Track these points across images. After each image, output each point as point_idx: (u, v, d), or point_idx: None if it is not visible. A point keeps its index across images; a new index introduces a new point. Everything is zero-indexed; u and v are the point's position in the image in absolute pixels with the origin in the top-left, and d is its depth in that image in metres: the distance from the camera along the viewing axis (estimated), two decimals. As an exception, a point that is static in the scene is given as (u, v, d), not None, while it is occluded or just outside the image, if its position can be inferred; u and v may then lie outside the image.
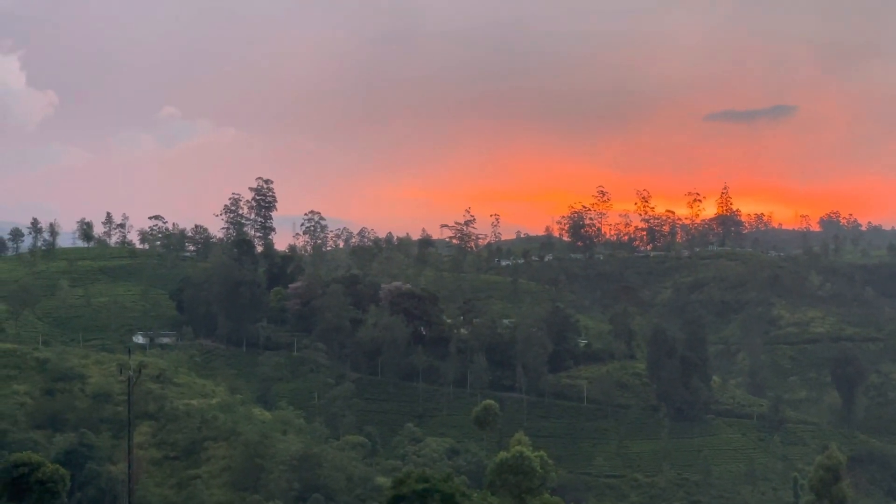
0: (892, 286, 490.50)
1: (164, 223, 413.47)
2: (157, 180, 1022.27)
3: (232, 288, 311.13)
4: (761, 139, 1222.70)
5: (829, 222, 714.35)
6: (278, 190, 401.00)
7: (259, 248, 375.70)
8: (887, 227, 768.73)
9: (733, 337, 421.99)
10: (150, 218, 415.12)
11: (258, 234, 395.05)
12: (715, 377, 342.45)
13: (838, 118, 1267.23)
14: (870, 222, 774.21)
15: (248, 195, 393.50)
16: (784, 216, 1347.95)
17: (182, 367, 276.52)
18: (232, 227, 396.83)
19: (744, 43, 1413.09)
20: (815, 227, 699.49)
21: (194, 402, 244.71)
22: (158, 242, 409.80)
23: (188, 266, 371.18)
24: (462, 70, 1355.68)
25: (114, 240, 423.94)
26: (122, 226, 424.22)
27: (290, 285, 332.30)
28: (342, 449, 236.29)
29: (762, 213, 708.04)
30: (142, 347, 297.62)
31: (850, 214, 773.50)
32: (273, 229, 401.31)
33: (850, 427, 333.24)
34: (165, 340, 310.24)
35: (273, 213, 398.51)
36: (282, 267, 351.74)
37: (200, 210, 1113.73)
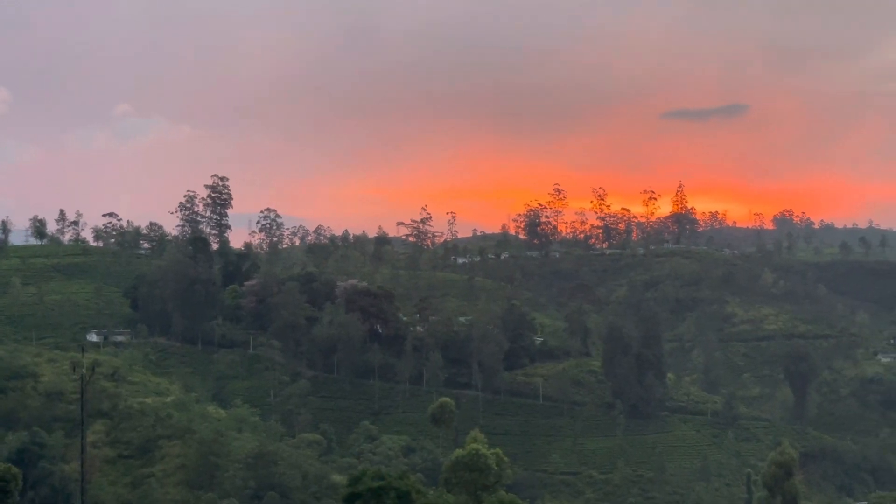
0: (844, 284, 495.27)
1: (119, 221, 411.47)
2: (111, 178, 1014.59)
3: (187, 286, 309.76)
4: (716, 138, 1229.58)
5: (783, 220, 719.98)
6: (234, 188, 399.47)
7: (214, 246, 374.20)
8: (839, 225, 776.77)
9: (688, 334, 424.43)
10: (104, 215, 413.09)
11: (214, 232, 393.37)
12: (670, 374, 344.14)
13: (791, 117, 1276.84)
14: (822, 220, 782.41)
15: (204, 193, 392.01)
16: (738, 214, 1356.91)
17: (136, 366, 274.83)
18: (187, 224, 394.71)
19: (698, 42, 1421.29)
20: (769, 226, 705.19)
21: (149, 400, 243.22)
22: (112, 240, 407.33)
23: (143, 264, 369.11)
24: (418, 68, 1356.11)
25: (67, 237, 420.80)
26: (75, 223, 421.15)
27: (245, 283, 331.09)
28: (298, 447, 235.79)
29: (717, 212, 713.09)
30: (95, 345, 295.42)
31: (803, 213, 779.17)
32: (229, 227, 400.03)
33: (803, 423, 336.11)
34: (119, 338, 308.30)
35: (229, 211, 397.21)
36: (237, 265, 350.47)
37: (155, 208, 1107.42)
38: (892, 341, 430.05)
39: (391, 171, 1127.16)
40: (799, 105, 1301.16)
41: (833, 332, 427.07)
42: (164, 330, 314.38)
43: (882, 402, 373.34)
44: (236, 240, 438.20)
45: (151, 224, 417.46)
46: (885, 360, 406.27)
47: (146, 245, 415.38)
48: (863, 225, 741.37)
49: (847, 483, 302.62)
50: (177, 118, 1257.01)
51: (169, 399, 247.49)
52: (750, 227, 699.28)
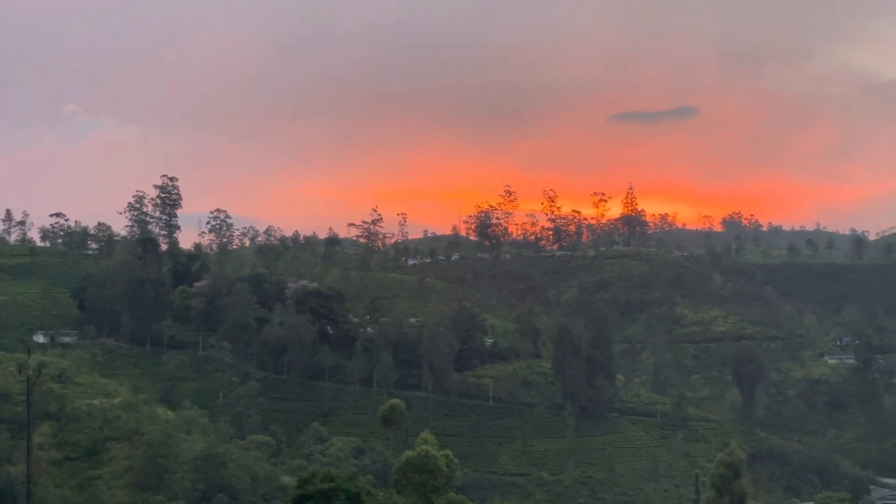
0: (792, 286, 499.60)
1: (66, 221, 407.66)
2: (59, 178, 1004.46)
3: (135, 286, 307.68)
4: (665, 140, 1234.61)
5: (732, 223, 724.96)
6: (184, 188, 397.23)
7: (164, 247, 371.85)
8: (787, 227, 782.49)
9: (637, 336, 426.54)
10: (51, 215, 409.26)
11: (163, 233, 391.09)
12: (619, 376, 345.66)
13: (740, 120, 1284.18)
14: (770, 223, 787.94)
15: (153, 193, 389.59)
16: (688, 216, 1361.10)
17: (84, 367, 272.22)
18: (136, 225, 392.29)
19: (648, 45, 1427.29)
20: (718, 228, 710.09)
21: (96, 401, 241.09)
22: (60, 240, 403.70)
23: (91, 264, 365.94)
24: (369, 68, 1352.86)
25: (14, 237, 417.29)
26: (22, 223, 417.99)
27: (194, 284, 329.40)
28: (247, 448, 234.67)
29: (666, 214, 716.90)
30: (42, 347, 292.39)
31: (752, 215, 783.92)
32: (178, 227, 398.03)
33: (751, 424, 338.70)
34: (67, 339, 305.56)
35: (178, 212, 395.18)
36: (187, 265, 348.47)
37: (104, 208, 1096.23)
38: (838, 343, 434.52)
39: (342, 171, 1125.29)
40: (748, 108, 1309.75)
41: (781, 334, 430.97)
42: (112, 331, 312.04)
43: (828, 402, 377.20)
44: (186, 240, 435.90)
45: (100, 224, 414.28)
46: (831, 361, 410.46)
47: (94, 246, 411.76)
48: (810, 227, 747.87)
49: (794, 483, 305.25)
50: (126, 118, 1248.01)
51: (117, 401, 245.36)
52: (699, 229, 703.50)
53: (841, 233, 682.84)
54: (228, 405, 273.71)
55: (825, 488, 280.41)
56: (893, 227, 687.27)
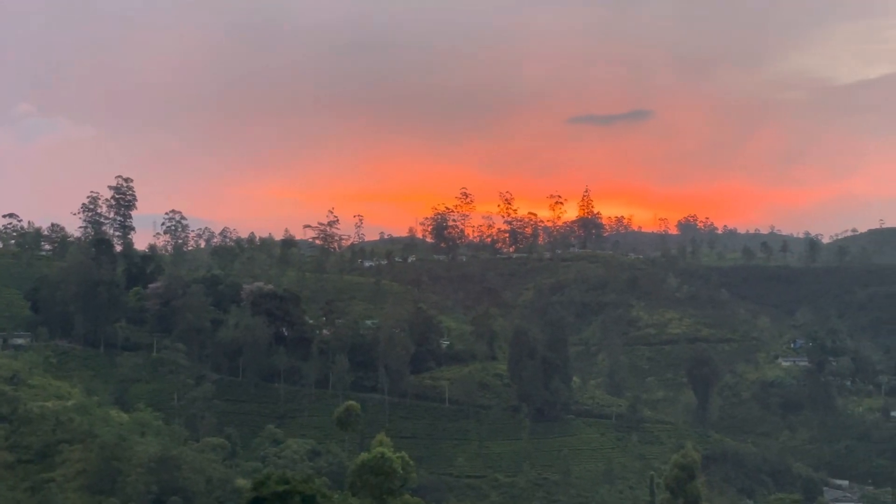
0: (746, 288, 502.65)
1: (19, 222, 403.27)
2: (12, 178, 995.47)
3: (89, 288, 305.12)
4: (621, 143, 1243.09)
5: (687, 225, 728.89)
6: (139, 189, 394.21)
7: (118, 248, 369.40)
8: (742, 230, 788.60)
9: (593, 338, 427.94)
10: (4, 216, 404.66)
11: (117, 234, 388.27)
12: (575, 378, 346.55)
13: (695, 123, 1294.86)
14: (725, 226, 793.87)
15: (108, 194, 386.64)
16: (644, 219, 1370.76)
17: (36, 369, 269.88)
18: (90, 226, 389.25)
19: (605, 48, 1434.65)
20: (673, 231, 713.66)
21: (49, 404, 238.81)
22: (13, 241, 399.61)
23: (44, 265, 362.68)
24: (326, 70, 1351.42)
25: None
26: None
27: (149, 285, 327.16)
28: (202, 451, 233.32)
29: (622, 216, 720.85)
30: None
31: (707, 218, 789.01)
32: (133, 229, 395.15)
33: (705, 426, 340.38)
34: (19, 341, 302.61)
35: (133, 213, 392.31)
36: (141, 267, 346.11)
37: (58, 209, 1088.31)
38: (792, 345, 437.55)
39: (298, 173, 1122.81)
40: (703, 111, 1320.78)
41: (735, 336, 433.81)
42: (65, 332, 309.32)
43: (782, 404, 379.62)
44: (141, 242, 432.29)
45: (53, 225, 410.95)
46: (785, 363, 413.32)
47: (47, 246, 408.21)
48: (765, 231, 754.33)
49: (748, 485, 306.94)
50: (80, 118, 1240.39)
51: (70, 403, 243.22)
52: (655, 231, 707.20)
53: (795, 236, 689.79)
54: (183, 407, 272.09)
55: (778, 490, 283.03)
56: (847, 231, 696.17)
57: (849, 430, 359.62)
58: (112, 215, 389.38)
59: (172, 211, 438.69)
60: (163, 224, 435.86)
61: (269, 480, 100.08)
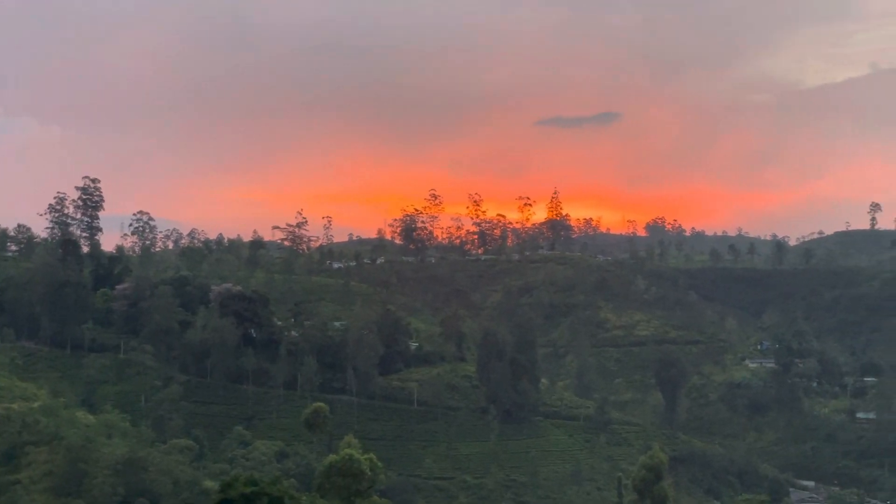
0: (714, 290, 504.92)
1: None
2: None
3: (56, 289, 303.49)
4: (590, 145, 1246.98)
5: (655, 227, 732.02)
6: (106, 190, 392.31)
7: (85, 249, 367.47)
8: (710, 232, 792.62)
9: (562, 340, 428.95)
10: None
11: (84, 235, 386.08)
12: (543, 379, 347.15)
13: (663, 125, 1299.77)
14: (693, 228, 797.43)
15: (74, 195, 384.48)
16: (612, 221, 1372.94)
17: (2, 370, 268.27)
18: (57, 227, 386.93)
19: (573, 50, 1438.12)
20: (642, 232, 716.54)
21: (14, 405, 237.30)
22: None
23: (10, 266, 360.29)
24: (296, 70, 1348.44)
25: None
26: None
27: (116, 286, 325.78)
28: (169, 453, 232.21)
29: (591, 218, 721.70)
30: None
31: (675, 220, 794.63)
32: (100, 229, 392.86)
33: (673, 428, 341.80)
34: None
35: (100, 214, 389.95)
36: (108, 268, 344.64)
37: (24, 209, 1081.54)
38: (759, 347, 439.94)
39: (267, 174, 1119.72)
40: (670, 114, 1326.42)
41: (703, 338, 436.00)
42: (31, 334, 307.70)
43: (749, 406, 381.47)
44: (108, 243, 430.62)
45: (19, 226, 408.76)
46: (752, 365, 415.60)
47: (14, 247, 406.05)
48: (732, 233, 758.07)
49: (714, 486, 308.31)
50: (46, 118, 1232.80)
51: (36, 404, 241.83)
52: (623, 233, 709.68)
53: (762, 238, 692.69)
54: (150, 409, 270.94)
55: (745, 491, 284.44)
56: (813, 233, 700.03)
57: (815, 431, 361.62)
58: (79, 216, 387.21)
59: (140, 212, 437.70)
60: (130, 225, 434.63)
61: (236, 482, 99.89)
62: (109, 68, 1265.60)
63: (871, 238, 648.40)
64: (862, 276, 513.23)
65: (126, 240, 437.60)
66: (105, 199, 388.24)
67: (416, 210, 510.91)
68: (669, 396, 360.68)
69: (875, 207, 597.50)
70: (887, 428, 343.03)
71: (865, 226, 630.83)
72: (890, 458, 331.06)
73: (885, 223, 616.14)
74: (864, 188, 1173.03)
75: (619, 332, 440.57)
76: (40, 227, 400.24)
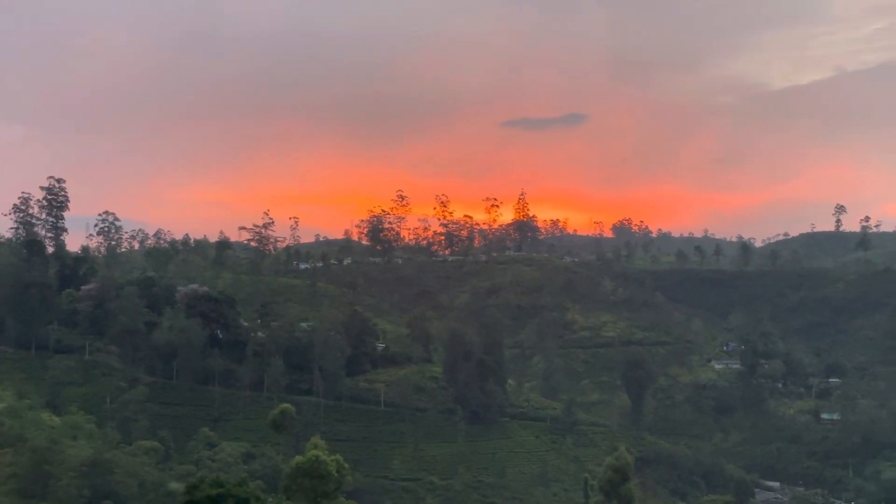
0: (680, 291, 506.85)
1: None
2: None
3: (20, 289, 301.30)
4: (556, 147, 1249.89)
5: (622, 229, 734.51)
6: (72, 190, 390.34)
7: (50, 249, 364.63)
8: (676, 234, 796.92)
9: (529, 341, 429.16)
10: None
11: (49, 235, 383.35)
12: (510, 381, 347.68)
13: (629, 127, 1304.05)
14: (660, 229, 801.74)
15: (39, 195, 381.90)
16: (579, 222, 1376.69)
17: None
18: (21, 227, 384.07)
19: (539, 52, 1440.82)
20: (609, 234, 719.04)
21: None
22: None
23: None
24: (262, 72, 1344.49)
25: None
26: None
27: (82, 287, 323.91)
28: (134, 454, 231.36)
29: (558, 219, 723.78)
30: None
31: (642, 221, 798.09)
32: (65, 230, 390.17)
33: (639, 428, 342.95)
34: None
35: (65, 214, 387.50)
36: (74, 268, 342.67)
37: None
38: (725, 348, 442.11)
39: (234, 175, 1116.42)
40: (637, 115, 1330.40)
41: (669, 339, 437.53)
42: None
43: (715, 407, 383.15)
44: (73, 243, 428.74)
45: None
46: (718, 366, 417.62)
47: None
48: (699, 234, 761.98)
49: (681, 487, 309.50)
50: (11, 118, 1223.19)
51: (1, 406, 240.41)
52: (590, 235, 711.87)
53: (728, 239, 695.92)
54: (116, 410, 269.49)
55: (711, 491, 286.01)
56: (779, 235, 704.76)
57: (780, 432, 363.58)
58: (44, 216, 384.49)
59: (106, 212, 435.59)
60: (96, 225, 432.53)
61: (202, 484, 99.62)
62: (75, 69, 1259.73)
63: (836, 240, 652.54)
64: (827, 277, 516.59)
65: (91, 240, 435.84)
66: (70, 199, 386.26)
67: (383, 211, 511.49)
68: (636, 397, 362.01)
69: (840, 209, 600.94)
70: (852, 429, 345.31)
71: (830, 228, 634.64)
72: (854, 458, 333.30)
73: (849, 225, 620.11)
74: (830, 190, 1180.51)
75: (585, 333, 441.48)
76: (4, 228, 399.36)
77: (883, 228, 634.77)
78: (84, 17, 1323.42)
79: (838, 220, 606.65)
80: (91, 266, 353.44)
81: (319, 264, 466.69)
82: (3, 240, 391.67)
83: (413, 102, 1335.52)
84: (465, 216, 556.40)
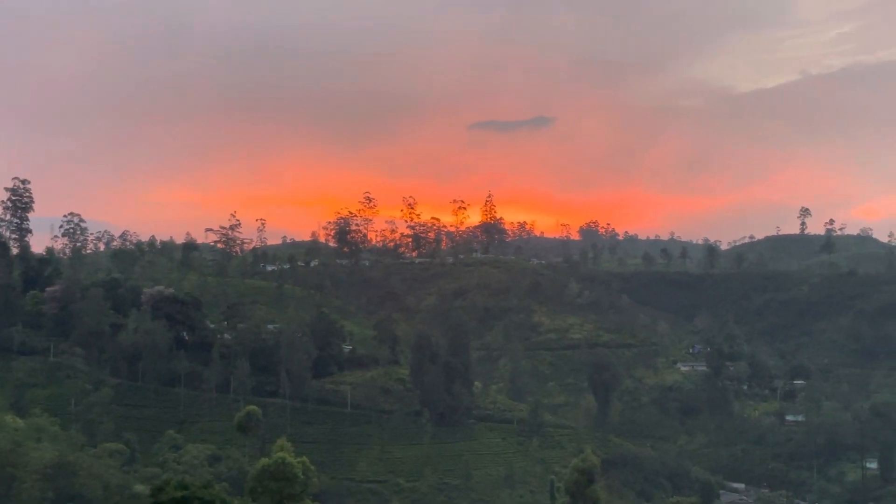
0: (647, 294, 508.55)
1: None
2: None
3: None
4: (524, 149, 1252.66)
5: (588, 231, 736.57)
6: (36, 191, 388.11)
7: (14, 251, 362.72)
8: (642, 236, 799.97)
9: (495, 343, 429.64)
10: None
11: (14, 236, 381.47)
12: (477, 383, 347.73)
13: (595, 130, 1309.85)
14: (626, 232, 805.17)
15: (3, 196, 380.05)
16: (546, 225, 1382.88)
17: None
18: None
19: (507, 54, 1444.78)
20: (575, 236, 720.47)
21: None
22: None
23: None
24: (228, 74, 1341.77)
25: None
26: None
27: (47, 289, 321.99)
28: (99, 457, 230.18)
29: (525, 222, 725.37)
30: None
31: (608, 224, 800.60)
32: (30, 231, 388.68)
33: (605, 430, 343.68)
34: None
35: (30, 215, 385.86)
36: (38, 270, 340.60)
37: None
38: (690, 350, 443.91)
39: (201, 176, 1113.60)
40: (604, 118, 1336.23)
41: (635, 342, 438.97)
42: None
43: (680, 409, 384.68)
44: (38, 245, 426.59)
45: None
46: (683, 368, 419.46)
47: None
48: (665, 237, 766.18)
49: (646, 489, 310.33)
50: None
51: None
52: (557, 237, 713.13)
53: (694, 242, 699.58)
54: (81, 412, 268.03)
55: (676, 493, 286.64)
56: (744, 238, 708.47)
57: (745, 433, 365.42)
58: (8, 217, 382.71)
59: (71, 213, 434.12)
60: (61, 227, 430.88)
61: (167, 486, 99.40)
62: (40, 70, 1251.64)
63: (801, 243, 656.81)
64: (791, 280, 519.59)
65: (56, 241, 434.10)
66: (35, 200, 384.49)
67: (351, 213, 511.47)
68: (602, 399, 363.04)
69: (805, 212, 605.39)
70: (816, 430, 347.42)
71: (795, 230, 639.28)
72: (818, 460, 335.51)
73: (814, 228, 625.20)
74: (795, 193, 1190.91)
75: (552, 335, 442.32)
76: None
77: (847, 231, 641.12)
78: (48, 17, 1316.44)
79: (803, 224, 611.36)
80: (56, 267, 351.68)
81: (286, 266, 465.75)
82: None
83: (381, 104, 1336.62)
84: (433, 218, 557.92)
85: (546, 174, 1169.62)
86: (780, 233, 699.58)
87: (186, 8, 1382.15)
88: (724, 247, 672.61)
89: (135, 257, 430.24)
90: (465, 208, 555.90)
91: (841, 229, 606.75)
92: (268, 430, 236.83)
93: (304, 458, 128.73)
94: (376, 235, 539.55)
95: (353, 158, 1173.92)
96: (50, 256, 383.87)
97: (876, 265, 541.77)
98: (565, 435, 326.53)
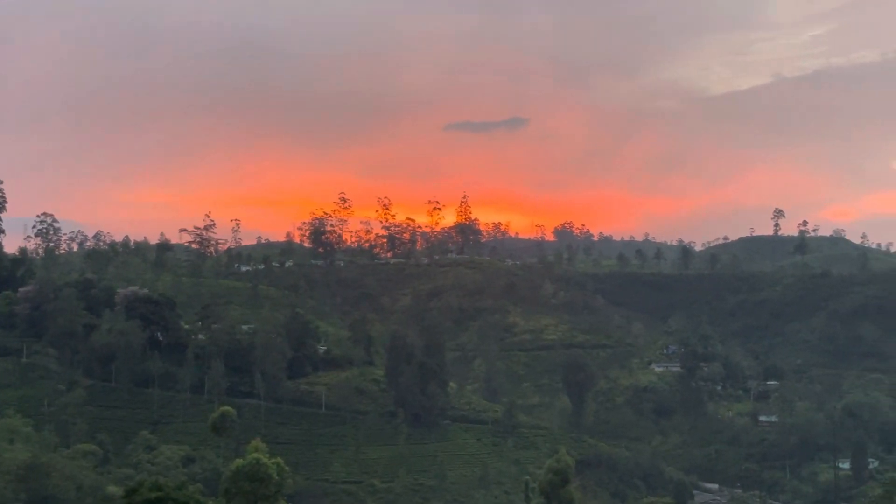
0: (621, 295, 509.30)
1: None
2: None
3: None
4: (498, 150, 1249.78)
5: (563, 232, 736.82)
6: (9, 191, 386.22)
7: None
8: (617, 237, 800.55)
9: (470, 343, 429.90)
10: None
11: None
12: (452, 383, 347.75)
13: (570, 131, 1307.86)
14: (601, 233, 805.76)
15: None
16: (521, 226, 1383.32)
17: None
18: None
19: (481, 55, 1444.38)
20: (550, 237, 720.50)
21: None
22: None
23: None
24: (202, 74, 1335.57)
25: None
26: None
27: (19, 289, 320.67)
28: (72, 458, 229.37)
29: (500, 223, 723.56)
30: None
31: (583, 225, 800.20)
32: (2, 231, 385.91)
33: (580, 431, 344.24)
34: None
35: (2, 215, 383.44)
36: (11, 270, 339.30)
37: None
38: (664, 351, 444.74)
39: (174, 177, 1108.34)
40: (579, 119, 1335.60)
41: (610, 342, 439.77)
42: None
43: (655, 409, 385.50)
44: (10, 245, 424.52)
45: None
46: (658, 369, 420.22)
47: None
48: (639, 238, 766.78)
49: (621, 489, 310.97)
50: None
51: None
52: (532, 238, 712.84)
53: (668, 243, 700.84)
54: (54, 413, 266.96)
55: (650, 493, 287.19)
56: (718, 239, 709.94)
57: (719, 434, 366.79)
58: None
59: (44, 213, 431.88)
60: (34, 227, 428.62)
61: (141, 487, 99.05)
62: (13, 68, 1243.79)
63: (775, 244, 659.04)
64: (765, 281, 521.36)
65: (29, 242, 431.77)
66: (8, 200, 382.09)
67: (325, 213, 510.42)
68: (576, 400, 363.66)
69: (778, 213, 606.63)
70: (789, 431, 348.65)
71: (769, 232, 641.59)
72: (791, 460, 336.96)
73: (787, 229, 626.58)
74: (768, 195, 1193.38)
75: (527, 336, 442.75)
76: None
77: (820, 233, 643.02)
78: (18, 16, 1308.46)
79: (777, 225, 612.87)
80: (29, 268, 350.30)
81: (261, 267, 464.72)
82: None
83: (356, 105, 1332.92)
84: (408, 219, 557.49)
85: (521, 175, 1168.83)
86: (753, 234, 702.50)
87: (159, 7, 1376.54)
88: (698, 248, 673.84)
89: (108, 258, 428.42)
90: (440, 209, 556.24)
91: (814, 231, 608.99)
92: (242, 430, 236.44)
93: (279, 459, 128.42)
94: (351, 236, 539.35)
95: (327, 159, 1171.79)
96: (23, 257, 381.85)
97: (848, 266, 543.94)
98: (540, 435, 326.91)
